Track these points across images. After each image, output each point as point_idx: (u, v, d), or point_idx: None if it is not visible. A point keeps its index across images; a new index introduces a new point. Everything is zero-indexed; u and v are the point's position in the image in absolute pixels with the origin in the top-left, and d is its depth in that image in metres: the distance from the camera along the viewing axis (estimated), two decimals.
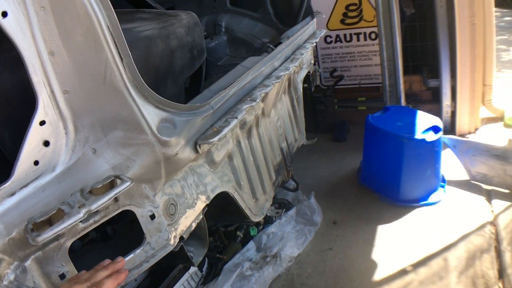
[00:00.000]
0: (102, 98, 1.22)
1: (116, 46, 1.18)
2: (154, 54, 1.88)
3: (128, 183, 1.17)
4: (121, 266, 1.26)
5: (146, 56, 1.83)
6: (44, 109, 1.15)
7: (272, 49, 2.32)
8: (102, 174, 1.25)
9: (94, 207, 1.11)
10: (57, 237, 1.16)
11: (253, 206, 2.28)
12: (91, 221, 1.22)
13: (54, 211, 1.08)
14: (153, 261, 1.44)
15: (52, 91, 1.16)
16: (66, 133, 1.21)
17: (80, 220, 1.11)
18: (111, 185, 1.18)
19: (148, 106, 1.27)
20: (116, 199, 1.26)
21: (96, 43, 1.16)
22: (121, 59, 1.20)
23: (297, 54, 2.64)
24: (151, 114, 1.28)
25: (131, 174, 1.30)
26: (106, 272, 1.21)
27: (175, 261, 1.87)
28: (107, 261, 1.27)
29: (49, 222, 1.09)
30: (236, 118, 1.65)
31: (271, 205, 3.84)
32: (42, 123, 1.14)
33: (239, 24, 4.03)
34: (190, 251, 1.81)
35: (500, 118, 5.16)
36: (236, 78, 1.78)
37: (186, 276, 3.04)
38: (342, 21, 5.40)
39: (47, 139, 1.17)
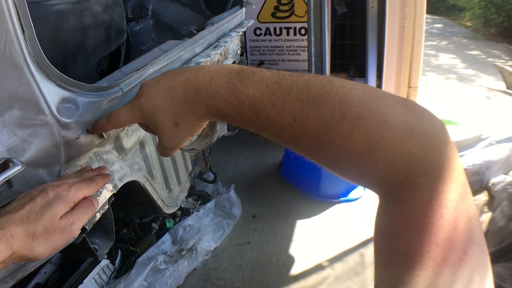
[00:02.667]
0: None
1: (19, 17, 1.07)
2: (65, 30, 1.75)
3: (19, 167, 1.06)
4: (105, 170, 1.28)
5: (56, 31, 1.70)
6: None
7: (194, 34, 2.24)
8: None
9: None
10: None
11: (166, 197, 2.19)
12: None
13: None
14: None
15: None
16: None
17: None
18: (3, 167, 1.07)
19: (48, 84, 1.16)
20: (10, 185, 1.15)
21: None
22: (23, 32, 1.09)
23: (221, 41, 2.55)
24: (51, 93, 1.17)
25: (27, 157, 1.18)
26: (93, 172, 1.23)
27: (78, 254, 1.76)
28: (89, 167, 1.30)
29: None
30: None
31: (189, 196, 3.78)
32: None
33: (167, 9, 3.92)
34: (95, 243, 1.71)
35: None
36: (151, 60, 1.68)
37: (97, 269, 2.94)
38: (273, 14, 5.38)
39: None
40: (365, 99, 0.72)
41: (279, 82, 0.81)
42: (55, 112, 1.17)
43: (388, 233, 0.70)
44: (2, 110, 1.14)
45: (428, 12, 4.90)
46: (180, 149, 1.11)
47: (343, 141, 0.72)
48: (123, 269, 3.22)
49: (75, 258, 2.74)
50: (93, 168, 1.30)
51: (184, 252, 3.35)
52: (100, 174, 1.23)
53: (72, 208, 1.07)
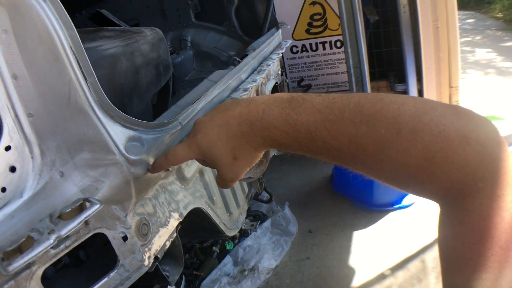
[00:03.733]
0: (67, 119, 1.19)
1: (79, 65, 1.16)
2: (119, 72, 1.85)
3: (97, 206, 1.14)
4: None
5: (111, 74, 1.80)
6: (9, 134, 1.12)
7: (239, 62, 2.32)
8: (71, 197, 1.22)
9: (63, 232, 1.08)
10: (28, 265, 1.12)
11: (227, 220, 2.26)
12: (62, 246, 1.19)
13: (24, 239, 1.05)
14: (128, 284, 1.41)
15: (16, 115, 1.13)
16: (32, 158, 1.18)
17: (51, 247, 1.08)
18: (80, 208, 1.15)
19: (114, 125, 1.25)
20: (86, 223, 1.24)
21: (58, 64, 1.13)
22: (85, 79, 1.17)
23: (264, 65, 2.63)
24: (118, 134, 1.25)
25: (101, 195, 1.27)
26: None
27: (151, 282, 1.83)
28: None
29: (20, 250, 1.06)
30: None
31: (246, 217, 3.84)
32: (8, 148, 1.11)
33: (205, 38, 4.02)
34: (166, 271, 1.78)
35: None
36: (203, 92, 1.76)
37: None
38: (307, 31, 5.43)
39: (13, 164, 1.13)
40: (417, 113, 0.74)
41: (331, 106, 0.83)
42: (124, 151, 1.25)
43: (452, 240, 0.73)
44: (73, 153, 1.23)
45: (458, 9, 4.87)
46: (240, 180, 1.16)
47: (401, 157, 0.75)
48: None
49: (141, 286, 2.81)
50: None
51: (246, 272, 3.40)
52: None
53: None
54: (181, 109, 1.61)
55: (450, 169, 0.70)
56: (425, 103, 0.76)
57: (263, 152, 1.07)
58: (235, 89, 2.14)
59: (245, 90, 2.12)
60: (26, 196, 1.17)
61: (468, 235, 0.69)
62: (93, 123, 1.20)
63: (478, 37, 11.56)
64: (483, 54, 9.59)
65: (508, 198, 0.67)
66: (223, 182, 1.14)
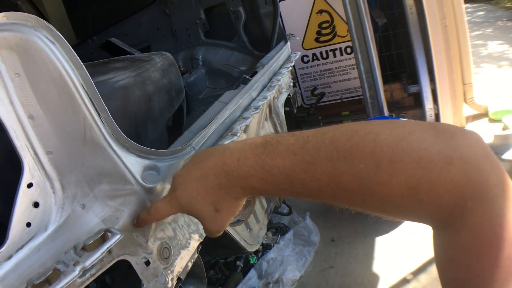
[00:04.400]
0: (84, 154, 1.24)
1: (92, 103, 1.21)
2: (131, 102, 1.90)
3: (118, 236, 1.19)
4: None
5: (124, 105, 1.85)
6: (30, 172, 1.17)
7: (248, 80, 2.36)
8: (93, 227, 1.27)
9: (88, 263, 1.13)
10: None
11: (248, 236, 2.29)
12: (87, 275, 1.24)
13: (51, 272, 1.10)
14: None
15: (36, 154, 1.18)
16: (54, 192, 1.23)
17: (77, 277, 1.12)
18: (103, 239, 1.20)
19: (130, 157, 1.30)
20: (109, 251, 1.28)
21: (72, 102, 1.19)
22: (99, 115, 1.23)
23: (274, 81, 2.67)
24: (134, 164, 1.30)
25: (122, 224, 1.32)
26: None
27: None
28: None
29: (48, 282, 1.10)
30: None
31: (268, 230, 3.86)
32: (30, 185, 1.16)
33: (215, 55, 4.08)
34: None
35: (484, 114, 5.26)
36: (215, 115, 1.80)
37: None
38: (316, 40, 5.47)
39: (36, 200, 1.18)
40: (394, 141, 0.72)
41: (305, 147, 0.82)
42: (140, 181, 1.31)
43: (448, 263, 0.74)
44: (92, 186, 1.28)
45: (467, 1, 4.87)
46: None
47: (384, 189, 0.73)
48: None
49: None
50: None
51: (271, 285, 3.41)
52: None
53: None
54: (194, 134, 1.66)
55: (436, 193, 0.69)
56: (403, 128, 0.74)
57: (245, 200, 1.06)
58: (247, 107, 2.19)
59: (256, 108, 2.16)
60: (50, 229, 1.22)
61: (464, 257, 0.70)
62: (110, 156, 1.26)
63: (489, 30, 11.44)
64: (495, 46, 9.48)
65: (500, 213, 0.66)
66: (209, 233, 1.17)
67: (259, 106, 2.19)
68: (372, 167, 0.73)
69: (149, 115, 2.02)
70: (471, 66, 5.10)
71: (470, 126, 5.14)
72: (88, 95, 1.20)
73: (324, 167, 0.79)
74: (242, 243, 2.17)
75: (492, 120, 5.19)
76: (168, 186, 1.40)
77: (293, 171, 0.83)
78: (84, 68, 1.21)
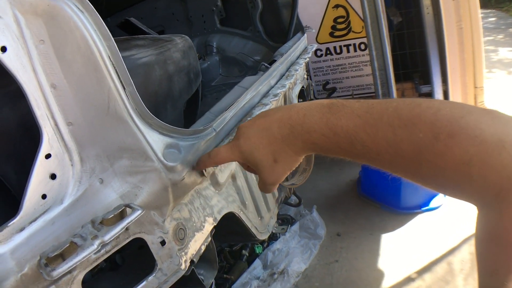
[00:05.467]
0: (106, 128, 1.22)
1: (118, 75, 1.19)
2: (153, 80, 1.88)
3: (139, 212, 1.17)
4: None
5: (146, 82, 1.83)
6: (49, 142, 1.15)
7: (267, 68, 2.34)
8: (111, 203, 1.25)
9: (107, 238, 1.10)
10: (70, 270, 1.15)
11: (259, 224, 2.28)
12: (102, 251, 1.22)
13: (67, 245, 1.07)
14: (166, 287, 1.43)
15: (56, 124, 1.16)
16: (72, 165, 1.21)
17: (94, 252, 1.10)
18: (122, 214, 1.17)
19: (152, 133, 1.28)
20: (126, 228, 1.26)
21: (97, 74, 1.16)
22: (124, 88, 1.20)
23: (292, 70, 2.65)
24: (156, 141, 1.28)
25: (140, 201, 1.29)
26: None
27: (186, 286, 1.86)
28: None
29: (62, 256, 1.08)
30: None
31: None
32: (48, 156, 1.14)
33: (230, 43, 4.06)
34: (201, 274, 1.81)
35: None
36: (235, 99, 1.78)
37: None
38: (331, 34, 5.44)
39: (53, 172, 1.16)
40: (453, 117, 0.75)
41: (370, 111, 0.86)
42: (162, 158, 1.28)
43: (488, 243, 0.74)
44: (112, 161, 1.26)
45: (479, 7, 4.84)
46: (282, 184, 1.18)
47: (438, 160, 0.76)
48: None
49: None
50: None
51: (276, 276, 3.41)
52: None
53: None
54: (215, 116, 1.63)
55: (486, 172, 0.71)
56: (462, 108, 0.77)
57: (303, 157, 1.08)
58: (265, 94, 2.17)
59: (275, 95, 2.14)
60: (66, 202, 1.20)
61: (504, 238, 0.70)
62: (132, 131, 1.23)
63: (500, 36, 11.46)
64: (506, 53, 9.51)
65: None
66: (264, 185, 1.17)
67: (278, 93, 2.17)
68: (430, 138, 0.76)
69: (169, 95, 2.00)
70: (483, 70, 5.09)
71: None
72: (114, 67, 1.18)
73: (385, 132, 0.82)
74: (253, 230, 2.15)
75: None
76: (188, 166, 1.38)
77: (356, 132, 0.87)
78: (113, 39, 1.18)
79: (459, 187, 0.78)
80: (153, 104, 1.85)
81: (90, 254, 1.09)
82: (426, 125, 0.77)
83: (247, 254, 3.59)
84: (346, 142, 0.89)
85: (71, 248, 1.09)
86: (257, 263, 3.53)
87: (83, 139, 1.21)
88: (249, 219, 2.10)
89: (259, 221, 2.29)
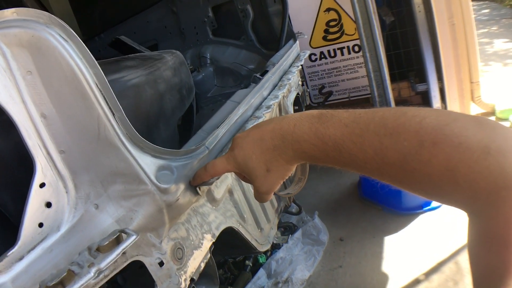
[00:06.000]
0: (98, 154, 1.23)
1: (106, 102, 1.19)
2: (144, 100, 1.89)
3: (134, 237, 1.17)
4: None
5: (137, 104, 1.84)
6: (42, 171, 1.15)
7: (259, 79, 2.34)
8: (107, 228, 1.26)
9: (103, 265, 1.11)
10: None
11: (259, 236, 2.28)
12: (101, 276, 1.22)
13: (65, 273, 1.08)
14: None
15: (48, 153, 1.16)
16: (66, 192, 1.21)
17: (92, 279, 1.11)
18: (117, 240, 1.18)
19: (144, 157, 1.28)
20: (124, 252, 1.27)
21: (86, 101, 1.17)
22: (113, 114, 1.21)
23: (284, 80, 2.66)
24: (148, 164, 1.29)
25: (136, 225, 1.30)
26: None
27: None
28: None
29: (61, 284, 1.09)
30: None
31: (277, 229, 3.84)
32: (42, 185, 1.14)
33: (224, 53, 4.07)
34: None
35: (491, 113, 5.25)
36: (228, 114, 1.79)
37: None
38: (324, 38, 5.45)
39: (48, 200, 1.16)
40: (438, 125, 0.76)
41: (357, 121, 0.88)
42: (155, 181, 1.29)
43: (479, 249, 0.75)
44: (106, 186, 1.26)
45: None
46: (277, 194, 1.20)
47: (424, 167, 0.78)
48: None
49: None
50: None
51: (280, 285, 3.39)
52: None
53: None
54: (207, 134, 1.64)
55: (472, 179, 0.72)
56: (448, 115, 0.79)
57: (295, 166, 1.12)
58: (258, 107, 2.17)
59: (268, 107, 2.15)
60: (63, 229, 1.20)
61: (494, 244, 0.71)
62: (124, 156, 1.24)
63: (494, 28, 11.42)
64: (501, 44, 9.47)
65: None
66: (258, 194, 1.20)
67: (271, 105, 2.18)
68: (415, 145, 0.78)
69: (161, 114, 2.01)
70: (478, 65, 5.09)
71: None
72: (102, 94, 1.19)
73: (372, 141, 0.85)
74: (254, 242, 2.15)
75: (499, 119, 5.18)
76: (182, 187, 1.39)
77: (343, 141, 0.90)
78: (98, 66, 1.19)
79: (447, 194, 0.80)
80: (145, 124, 1.85)
81: (87, 282, 1.09)
82: (411, 134, 0.79)
83: (251, 264, 3.58)
84: (334, 150, 0.92)
85: (69, 276, 1.10)
86: (261, 272, 3.52)
87: (76, 166, 1.22)
88: (249, 232, 2.11)
89: (259, 233, 2.30)
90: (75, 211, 1.23)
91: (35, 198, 1.14)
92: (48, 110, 1.15)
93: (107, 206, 1.27)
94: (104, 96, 1.19)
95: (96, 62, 1.19)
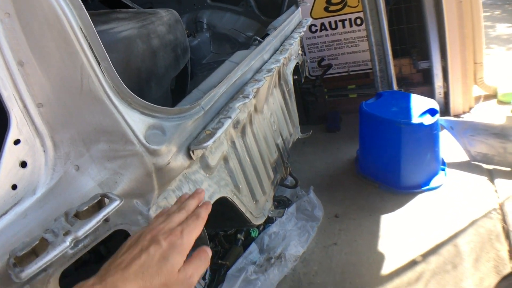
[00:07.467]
0: (80, 108, 1.10)
1: (91, 49, 1.06)
2: (135, 55, 1.75)
3: (117, 202, 1.04)
4: (203, 194, 1.17)
5: (127, 58, 1.71)
6: (17, 127, 1.04)
7: (260, 42, 2.20)
8: (88, 192, 1.13)
9: (81, 233, 0.98)
10: (44, 268, 1.03)
11: (254, 208, 2.16)
12: (80, 246, 1.10)
13: (37, 242, 0.96)
14: None
15: (24, 106, 1.05)
16: (44, 151, 1.10)
17: (68, 248, 0.98)
18: (99, 205, 1.05)
19: (132, 113, 1.15)
20: (106, 220, 1.14)
21: (68, 48, 1.04)
22: (98, 64, 1.08)
23: (286, 45, 2.53)
24: (137, 122, 1.15)
25: (120, 189, 1.17)
26: (195, 202, 1.12)
27: None
28: (186, 194, 1.16)
29: (34, 253, 0.96)
30: (230, 117, 1.52)
31: None
32: (17, 142, 1.04)
33: (221, 19, 3.93)
34: None
35: (493, 95, 5.17)
36: (226, 74, 1.66)
37: None
38: (326, 9, 5.32)
39: (23, 159, 1.05)
40: None
41: None
42: (144, 141, 1.16)
43: None
44: (89, 145, 1.13)
45: None
46: None
47: None
48: (213, 284, 3.20)
49: None
50: (189, 193, 1.18)
51: (273, 260, 3.31)
52: (203, 205, 1.13)
53: (188, 259, 0.98)
54: (203, 93, 1.51)
55: None
56: None
57: None
58: (258, 70, 2.04)
59: (269, 71, 2.02)
60: (39, 193, 1.10)
61: None
62: (109, 111, 1.11)
63: (497, 12, 11.35)
64: (504, 29, 9.41)
65: None
66: None
67: (272, 69, 2.04)
68: None
69: (154, 71, 1.88)
70: (483, 46, 5.01)
71: (479, 107, 5.04)
72: (87, 40, 1.06)
73: None
74: (248, 215, 2.04)
75: (501, 102, 5.11)
76: (174, 149, 1.25)
77: None
78: (84, 9, 1.05)
79: None
80: (135, 81, 1.73)
81: (62, 252, 0.97)
82: None
83: (243, 238, 3.50)
84: None
85: (42, 245, 0.98)
86: (253, 247, 3.43)
87: (55, 121, 1.10)
88: (243, 203, 1.99)
89: (254, 205, 2.18)
90: (53, 173, 1.12)
91: (9, 157, 1.03)
92: (26, 58, 1.04)
93: (89, 168, 1.15)
94: (89, 43, 1.06)
95: (81, 3, 1.05)
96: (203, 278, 3.12)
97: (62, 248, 0.96)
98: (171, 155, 1.24)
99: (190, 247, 1.00)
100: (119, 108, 1.11)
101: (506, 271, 2.83)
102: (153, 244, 0.94)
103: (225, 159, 1.86)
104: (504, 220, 3.27)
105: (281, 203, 3.95)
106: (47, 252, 0.95)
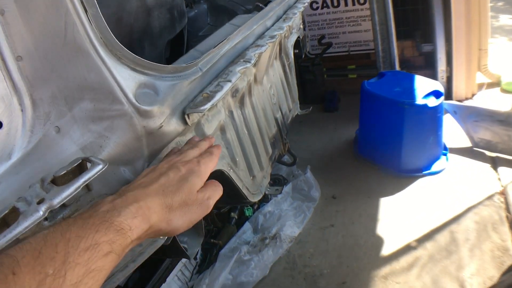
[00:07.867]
0: (63, 61, 0.98)
1: None
2: (128, 12, 1.64)
3: (100, 166, 0.92)
4: (213, 139, 1.29)
5: (119, 14, 1.59)
6: None
7: (262, 8, 2.08)
8: (70, 157, 1.01)
9: (56, 201, 0.86)
10: (17, 241, 0.90)
11: (251, 184, 2.05)
12: (58, 218, 0.98)
13: (7, 211, 0.84)
14: (141, 260, 1.23)
15: (2, 59, 0.93)
16: (22, 110, 0.98)
17: (43, 218, 0.86)
18: (79, 170, 0.93)
19: (121, 68, 1.02)
20: (88, 188, 1.02)
21: None
22: (85, 10, 0.95)
23: (289, 13, 2.40)
24: (127, 78, 1.03)
25: (106, 155, 1.05)
26: (207, 143, 1.23)
27: (167, 256, 1.63)
28: (196, 137, 1.31)
29: (6, 223, 0.84)
30: (230, 81, 1.40)
31: None
32: None
33: None
34: (184, 242, 1.59)
35: (496, 84, 5.12)
36: (226, 36, 1.53)
37: (179, 266, 2.84)
38: None
39: None
40: None
41: None
42: (133, 100, 1.03)
43: None
44: (71, 103, 1.01)
45: None
46: None
47: None
48: (205, 263, 3.12)
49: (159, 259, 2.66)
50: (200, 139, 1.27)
51: (267, 241, 3.24)
52: (214, 146, 1.23)
53: (205, 184, 1.08)
54: (201, 54, 1.38)
55: None
56: None
57: None
58: (261, 36, 1.91)
59: (272, 37, 1.89)
60: (15, 157, 0.98)
61: None
62: (96, 65, 0.99)
63: (500, 3, 11.35)
64: (506, 20, 9.43)
65: None
66: None
67: (275, 35, 1.92)
68: None
69: (147, 31, 1.76)
70: (489, 31, 4.93)
71: (481, 94, 4.98)
72: None
73: None
74: (245, 191, 1.92)
75: (504, 91, 5.06)
76: (167, 111, 1.13)
77: None
78: None
79: None
80: (127, 39, 1.61)
81: (36, 222, 0.84)
82: None
83: (236, 217, 3.44)
84: None
85: (13, 215, 0.85)
86: (247, 226, 3.37)
87: (35, 77, 0.98)
88: (240, 178, 1.87)
89: (251, 180, 2.07)
90: (31, 135, 1.00)
91: None
92: (6, 4, 0.92)
93: (71, 130, 1.03)
94: None
95: None
96: (194, 258, 3.03)
97: (35, 219, 0.84)
98: (163, 118, 1.12)
99: (207, 177, 1.10)
100: (106, 62, 0.99)
101: (508, 261, 2.77)
102: (172, 169, 1.02)
103: (222, 129, 1.74)
104: (507, 209, 3.20)
105: (276, 182, 3.86)
106: (17, 223, 0.83)
